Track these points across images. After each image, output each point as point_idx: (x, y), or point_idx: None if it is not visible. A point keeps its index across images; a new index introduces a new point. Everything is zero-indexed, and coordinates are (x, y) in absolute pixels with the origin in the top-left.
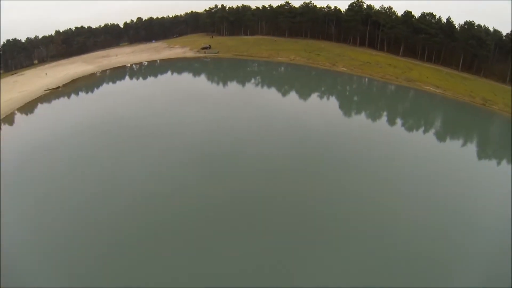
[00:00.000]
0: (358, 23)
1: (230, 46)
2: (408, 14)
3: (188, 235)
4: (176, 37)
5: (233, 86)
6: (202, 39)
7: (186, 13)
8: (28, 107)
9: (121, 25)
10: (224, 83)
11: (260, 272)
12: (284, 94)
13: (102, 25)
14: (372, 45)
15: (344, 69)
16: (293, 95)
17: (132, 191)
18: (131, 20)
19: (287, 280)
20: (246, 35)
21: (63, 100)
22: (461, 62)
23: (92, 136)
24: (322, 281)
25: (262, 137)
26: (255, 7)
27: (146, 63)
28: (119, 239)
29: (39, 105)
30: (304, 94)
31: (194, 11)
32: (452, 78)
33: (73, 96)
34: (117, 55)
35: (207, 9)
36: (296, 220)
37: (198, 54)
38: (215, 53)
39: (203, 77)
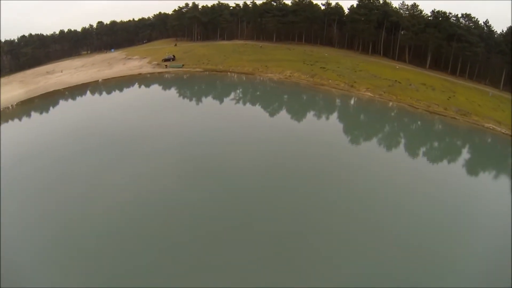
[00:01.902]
0: (371, 24)
1: (201, 55)
2: (440, 14)
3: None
4: (145, 42)
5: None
6: (169, 47)
7: (155, 15)
8: None
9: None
10: (175, 142)
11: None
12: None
13: (57, 32)
14: (387, 53)
15: (369, 94)
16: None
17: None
18: (90, 25)
19: None
20: (223, 39)
21: None
22: (503, 78)
23: None
24: None
25: None
26: (234, 5)
27: (86, 85)
28: (115, 240)
29: None
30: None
31: (162, 12)
32: (502, 103)
33: None
34: (62, 71)
35: (176, 9)
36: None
37: (156, 69)
38: (179, 67)
39: (140, 124)
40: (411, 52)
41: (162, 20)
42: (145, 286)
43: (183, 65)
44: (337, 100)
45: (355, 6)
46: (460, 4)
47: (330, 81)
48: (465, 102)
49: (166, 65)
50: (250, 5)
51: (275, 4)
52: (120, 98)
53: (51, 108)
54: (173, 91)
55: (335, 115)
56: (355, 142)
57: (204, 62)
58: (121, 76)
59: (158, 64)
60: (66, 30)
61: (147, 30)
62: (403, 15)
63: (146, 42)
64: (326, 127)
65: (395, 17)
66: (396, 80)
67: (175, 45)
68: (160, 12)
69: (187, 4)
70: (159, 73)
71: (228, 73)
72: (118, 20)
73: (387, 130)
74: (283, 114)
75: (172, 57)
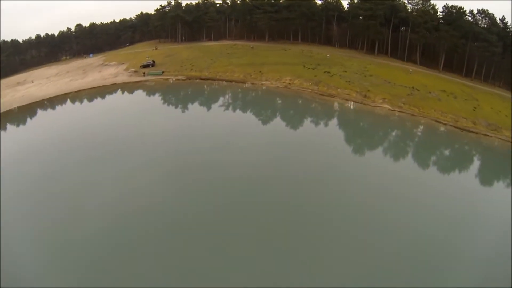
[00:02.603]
0: (377, 20)
1: (185, 59)
2: (454, 10)
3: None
4: (128, 45)
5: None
6: (149, 51)
7: (137, 15)
8: None
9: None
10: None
11: None
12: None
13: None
14: (394, 53)
15: (387, 106)
16: None
17: None
18: (68, 28)
19: None
20: (210, 40)
21: None
22: None
23: None
24: None
25: None
26: (221, 2)
27: (52, 99)
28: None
29: None
30: None
31: (145, 12)
32: None
33: None
34: (32, 81)
35: (158, 8)
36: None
37: (133, 78)
38: (159, 75)
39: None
40: (422, 52)
41: (145, 21)
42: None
43: (163, 72)
44: (360, 122)
45: (357, 0)
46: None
47: (339, 90)
48: (491, 113)
49: (144, 73)
50: (239, 1)
51: None
52: (77, 121)
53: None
54: (143, 111)
55: (368, 152)
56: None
57: (188, 68)
58: (92, 88)
59: (135, 72)
60: (43, 34)
61: (128, 32)
62: (413, 10)
63: (128, 45)
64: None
65: (404, 13)
66: (413, 87)
67: (155, 48)
68: (142, 12)
69: (169, 3)
70: (135, 82)
71: (215, 81)
72: (101, 21)
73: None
74: (293, 148)
75: (152, 62)
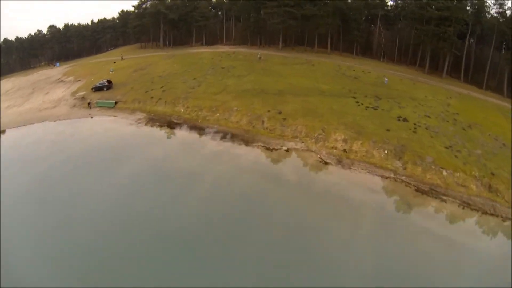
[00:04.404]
0: (456, 27)
1: (157, 78)
2: None
3: None
4: (110, 50)
5: None
6: (114, 61)
7: (119, 14)
8: None
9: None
10: None
11: None
12: None
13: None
14: (477, 76)
15: None
16: None
17: None
18: (39, 30)
19: None
20: (202, 45)
21: None
22: None
23: None
24: None
25: None
26: None
27: None
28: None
29: None
30: None
31: (126, 10)
32: None
33: None
34: None
35: (136, 4)
36: None
37: (75, 112)
38: (110, 107)
39: None
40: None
41: (124, 21)
42: None
43: (115, 103)
44: None
45: None
46: None
47: (444, 173)
48: None
49: (89, 103)
50: None
51: None
52: None
53: None
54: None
55: None
56: None
57: (155, 96)
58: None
59: (83, 99)
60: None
61: (106, 34)
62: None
63: (112, 49)
64: None
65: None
66: None
67: (121, 58)
68: (123, 11)
69: None
70: (67, 124)
71: (193, 129)
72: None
73: None
74: None
75: (106, 83)
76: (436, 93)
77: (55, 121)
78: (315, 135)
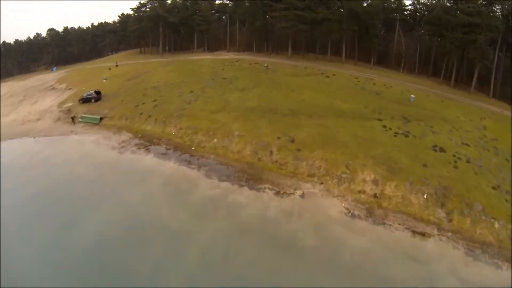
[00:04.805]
0: (488, 35)
1: (150, 89)
2: None
3: None
4: (111, 54)
5: None
6: (107, 68)
7: (119, 17)
8: None
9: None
10: None
11: None
12: None
13: None
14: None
15: None
16: None
17: None
18: (37, 34)
19: None
20: (204, 50)
21: None
22: None
23: None
24: None
25: None
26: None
27: None
28: None
29: None
30: None
31: (126, 13)
32: None
33: None
34: None
35: (135, 7)
36: None
37: (58, 127)
38: (95, 123)
39: None
40: None
41: (126, 25)
42: None
43: (101, 118)
44: None
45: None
46: None
47: (505, 232)
48: None
49: (73, 117)
50: None
51: None
52: None
53: None
54: None
55: None
56: None
57: (145, 112)
58: None
59: (68, 111)
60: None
61: (106, 38)
62: None
63: (113, 53)
64: None
65: None
66: None
67: (116, 65)
68: (123, 14)
69: None
70: (48, 141)
71: (186, 162)
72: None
73: None
74: None
75: (94, 95)
76: (468, 112)
77: (34, 138)
78: (338, 174)
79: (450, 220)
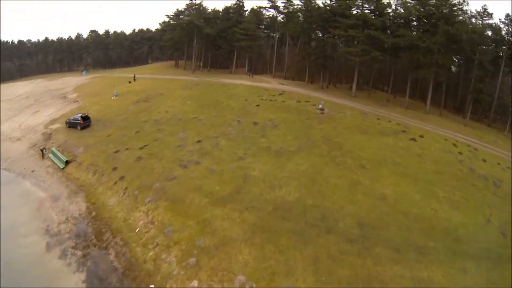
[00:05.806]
0: None
1: (155, 123)
2: None
3: None
4: (149, 62)
5: None
6: (143, 80)
7: (160, 24)
8: None
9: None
10: None
11: None
12: None
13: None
14: None
15: None
16: None
17: None
18: (79, 34)
19: None
20: (246, 72)
21: None
22: None
23: None
24: None
25: None
26: (270, 4)
27: None
28: None
29: None
30: None
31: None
32: None
33: None
34: None
35: (171, 14)
36: None
37: (28, 156)
38: (60, 167)
39: None
40: None
41: (162, 33)
42: None
43: (67, 162)
44: None
45: None
46: None
47: None
48: None
49: (42, 150)
50: (315, 6)
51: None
52: None
53: None
54: None
55: None
56: None
57: (120, 169)
58: None
59: (49, 136)
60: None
61: (144, 46)
62: None
63: (151, 62)
64: None
65: None
66: None
67: (134, 79)
68: (165, 22)
69: (190, 5)
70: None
71: None
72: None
73: None
74: None
75: (80, 120)
76: None
77: None
78: None
79: None
